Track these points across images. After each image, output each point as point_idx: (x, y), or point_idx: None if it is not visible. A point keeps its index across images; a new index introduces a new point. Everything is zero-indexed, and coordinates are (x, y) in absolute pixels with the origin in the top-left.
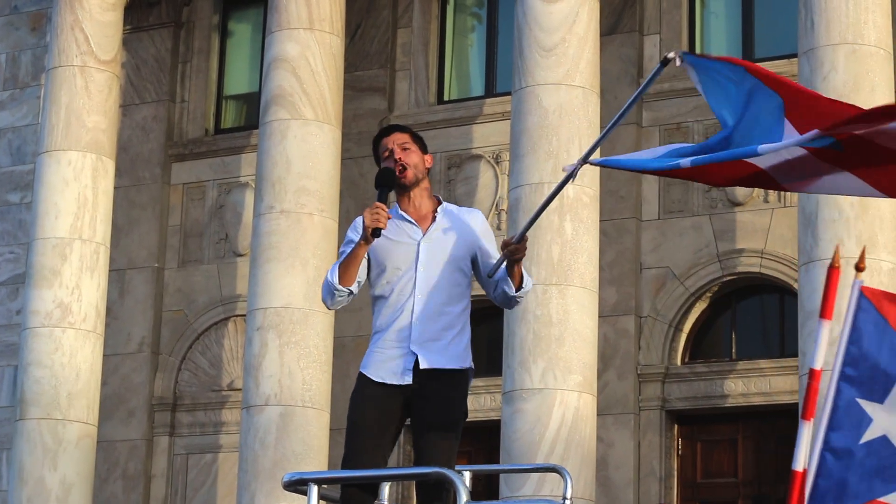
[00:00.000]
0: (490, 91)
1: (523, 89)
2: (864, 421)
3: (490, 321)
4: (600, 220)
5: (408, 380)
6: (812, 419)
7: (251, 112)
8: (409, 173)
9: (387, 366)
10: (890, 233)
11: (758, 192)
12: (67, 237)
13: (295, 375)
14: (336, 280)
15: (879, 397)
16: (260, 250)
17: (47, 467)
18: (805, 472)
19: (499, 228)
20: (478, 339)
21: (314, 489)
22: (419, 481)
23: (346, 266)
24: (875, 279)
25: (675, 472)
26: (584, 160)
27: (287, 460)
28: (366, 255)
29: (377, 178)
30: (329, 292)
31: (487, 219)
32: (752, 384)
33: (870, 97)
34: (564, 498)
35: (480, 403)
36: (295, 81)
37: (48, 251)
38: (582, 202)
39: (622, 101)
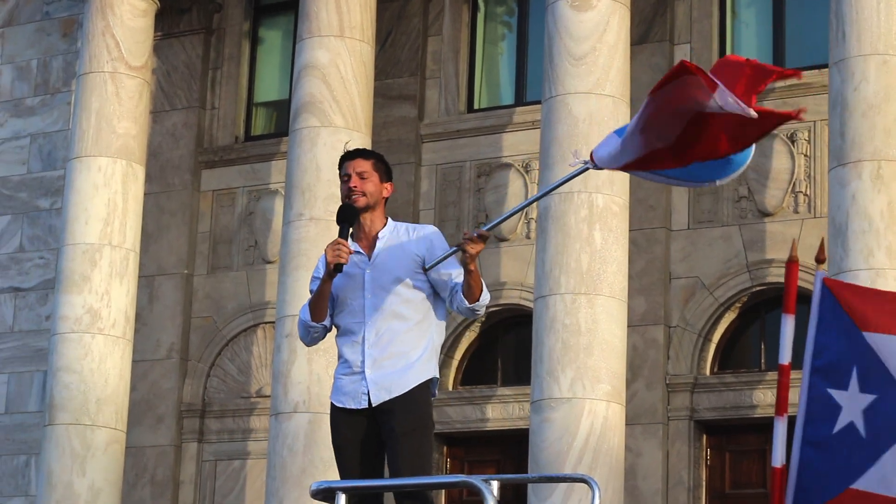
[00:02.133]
0: (520, 100)
1: (553, 98)
2: (835, 410)
3: (518, 330)
4: (630, 230)
5: (364, 403)
6: (785, 415)
7: (281, 119)
8: (362, 200)
9: (346, 391)
10: None
11: (788, 202)
12: (97, 243)
13: (324, 383)
14: (309, 317)
15: (843, 385)
16: (289, 257)
17: (76, 473)
18: (784, 468)
19: (528, 237)
20: (506, 347)
21: (342, 498)
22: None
23: (315, 303)
24: None
25: (704, 483)
26: (595, 164)
27: (315, 467)
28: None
29: (338, 215)
30: (305, 330)
31: (517, 229)
32: None
33: None
34: None
35: (508, 412)
36: (325, 89)
37: (78, 257)
38: (611, 211)
39: None
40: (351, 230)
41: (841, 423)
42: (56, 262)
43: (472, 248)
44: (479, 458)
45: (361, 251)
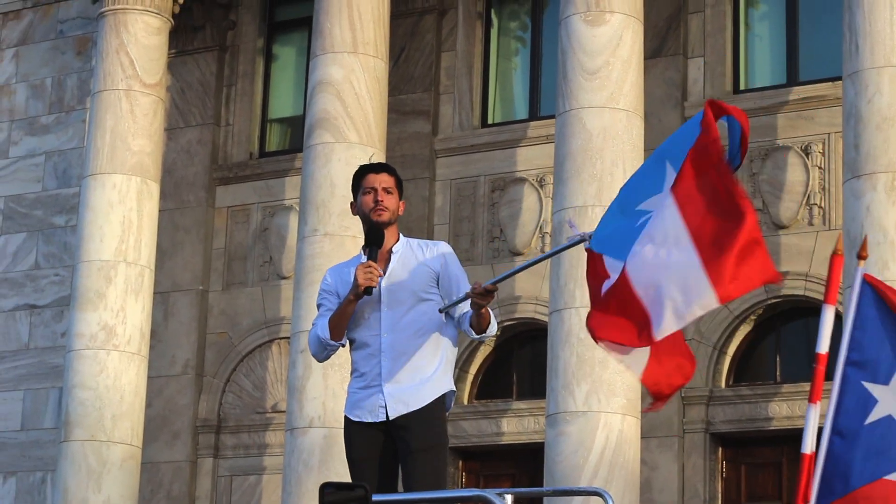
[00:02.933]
0: (534, 114)
1: (567, 112)
2: (870, 402)
3: (533, 343)
4: None
5: (382, 416)
6: (818, 402)
7: (295, 135)
8: (386, 215)
9: (362, 405)
10: None
11: (803, 214)
12: (112, 260)
13: (339, 398)
14: (328, 336)
15: (884, 379)
16: (304, 273)
17: (91, 489)
18: (813, 455)
19: (542, 251)
20: (521, 361)
21: None
22: None
23: (337, 321)
24: None
25: (720, 495)
26: (591, 236)
27: None
28: (337, 300)
29: (366, 237)
30: (322, 347)
31: (531, 243)
32: (796, 407)
33: None
34: None
35: (524, 426)
36: (339, 105)
37: (93, 274)
38: None
39: (666, 124)
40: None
41: (876, 416)
42: (71, 279)
43: (482, 301)
44: (494, 471)
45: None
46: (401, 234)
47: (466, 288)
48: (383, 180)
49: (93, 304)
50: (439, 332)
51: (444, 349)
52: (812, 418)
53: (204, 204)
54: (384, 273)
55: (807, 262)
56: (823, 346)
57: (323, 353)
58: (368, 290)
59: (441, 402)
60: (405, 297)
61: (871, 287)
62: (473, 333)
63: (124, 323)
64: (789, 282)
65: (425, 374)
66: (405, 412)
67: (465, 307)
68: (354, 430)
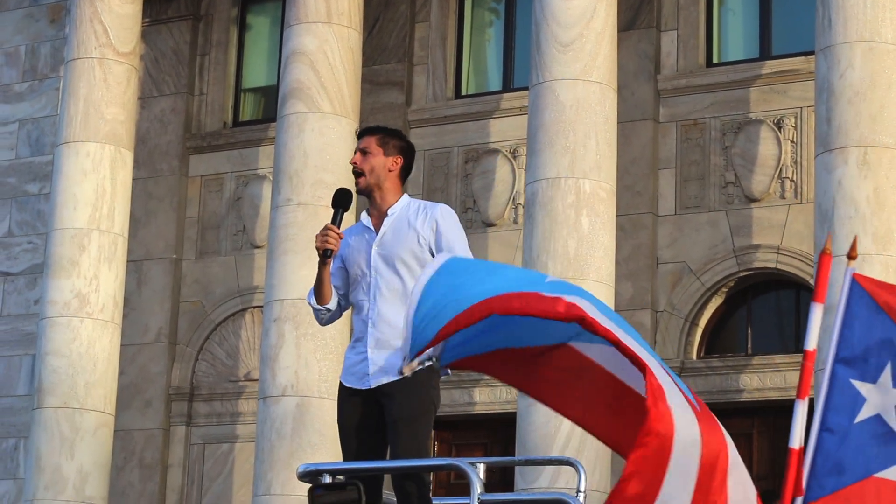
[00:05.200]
0: (507, 86)
1: (540, 84)
2: (858, 401)
3: None
4: (617, 215)
5: (367, 384)
6: (806, 398)
7: (269, 105)
8: (362, 181)
9: (353, 370)
10: None
11: (774, 188)
12: (86, 228)
13: (311, 366)
14: (314, 301)
15: (872, 378)
16: (277, 242)
17: (64, 456)
18: (801, 450)
19: (515, 223)
20: None
21: (328, 480)
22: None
23: (316, 287)
24: (891, 275)
25: None
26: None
27: (303, 451)
28: (343, 266)
29: (333, 198)
30: (314, 311)
31: (504, 214)
32: (767, 379)
33: (886, 94)
34: (578, 491)
35: (496, 396)
36: (313, 75)
37: (66, 241)
38: (598, 197)
39: (639, 96)
40: (344, 213)
41: (865, 415)
42: (45, 246)
43: None
44: (466, 441)
45: (371, 227)
46: (405, 194)
47: (457, 251)
48: (362, 142)
49: (66, 271)
50: None
51: None
52: (800, 413)
53: (177, 173)
54: (377, 234)
55: (778, 236)
56: (812, 344)
57: (317, 317)
58: (327, 254)
59: (427, 371)
60: (393, 263)
61: (860, 286)
62: None
63: (97, 291)
64: (761, 254)
65: None
66: (387, 381)
67: None
68: (344, 396)
